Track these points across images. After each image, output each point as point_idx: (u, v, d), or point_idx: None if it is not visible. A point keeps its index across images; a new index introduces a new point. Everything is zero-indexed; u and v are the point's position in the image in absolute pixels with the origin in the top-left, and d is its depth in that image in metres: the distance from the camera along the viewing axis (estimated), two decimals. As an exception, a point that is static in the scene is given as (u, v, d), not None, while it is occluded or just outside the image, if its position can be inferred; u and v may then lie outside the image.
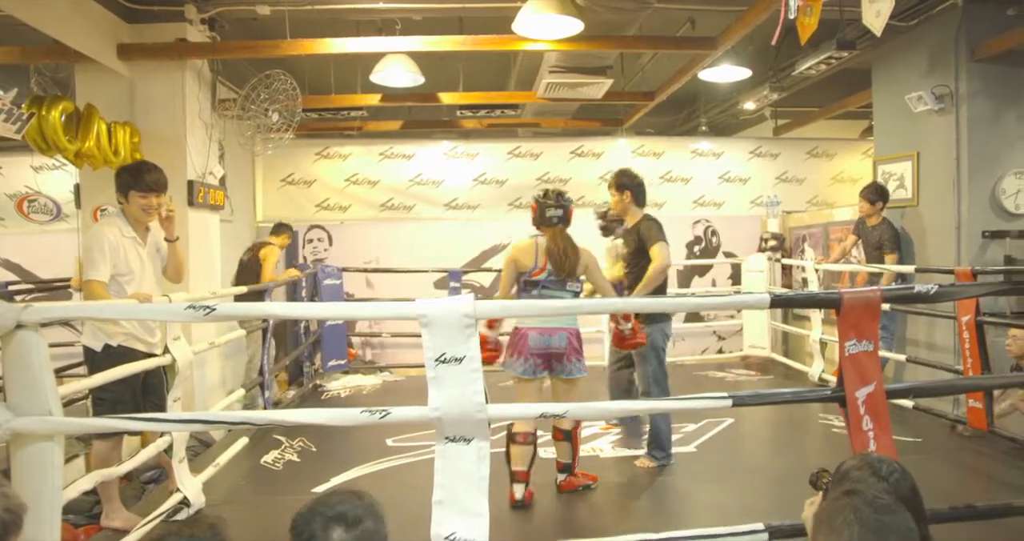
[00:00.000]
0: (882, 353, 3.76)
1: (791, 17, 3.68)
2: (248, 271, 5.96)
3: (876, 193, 5.24)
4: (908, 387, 2.95)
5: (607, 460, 4.09)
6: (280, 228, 6.32)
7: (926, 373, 4.81)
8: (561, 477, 3.64)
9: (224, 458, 3.91)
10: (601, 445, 4.32)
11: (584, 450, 4.22)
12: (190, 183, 4.93)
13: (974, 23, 4.76)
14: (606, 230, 4.91)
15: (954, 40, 4.86)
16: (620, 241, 4.47)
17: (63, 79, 5.21)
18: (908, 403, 4.73)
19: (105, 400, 3.07)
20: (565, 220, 3.52)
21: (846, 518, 1.22)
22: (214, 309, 2.06)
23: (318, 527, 1.33)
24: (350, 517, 1.35)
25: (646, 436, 4.09)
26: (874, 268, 5.28)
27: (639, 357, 3.95)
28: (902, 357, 5.06)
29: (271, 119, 5.32)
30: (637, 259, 3.95)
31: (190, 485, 3.25)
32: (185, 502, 3.18)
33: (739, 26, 4.77)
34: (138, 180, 3.23)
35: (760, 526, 2.22)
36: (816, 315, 6.08)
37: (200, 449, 4.41)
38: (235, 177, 6.54)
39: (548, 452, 4.19)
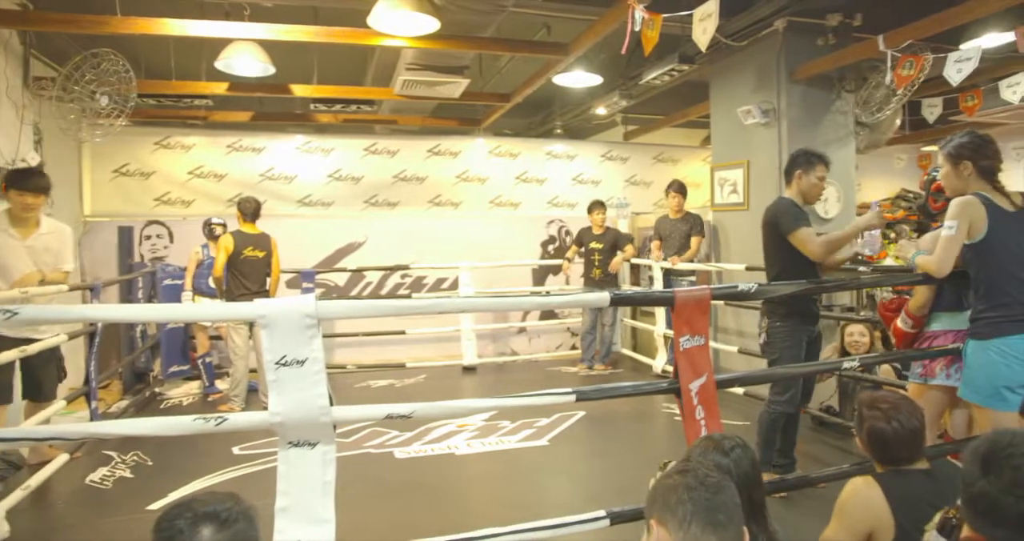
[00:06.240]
0: (714, 345, 4.09)
1: (636, 29, 3.97)
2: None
3: (684, 187, 6.35)
4: (735, 377, 3.19)
5: (462, 457, 4.12)
6: None
7: (759, 363, 5.27)
8: None
9: (36, 480, 3.46)
10: (457, 443, 4.33)
11: (439, 449, 4.24)
12: (-3, 171, 4.39)
13: (792, 49, 5.27)
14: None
15: (776, 62, 5.36)
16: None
17: None
18: (740, 390, 5.18)
19: None
20: None
21: (680, 497, 1.28)
22: (16, 313, 1.83)
23: (184, 525, 1.21)
24: (223, 516, 1.23)
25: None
26: (720, 267, 5.83)
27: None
28: (734, 349, 5.53)
29: (99, 103, 4.86)
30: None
31: (-8, 513, 2.88)
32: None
33: (589, 34, 4.97)
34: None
35: (602, 513, 2.31)
36: (661, 311, 6.49)
37: (9, 472, 3.92)
38: (56, 166, 5.88)
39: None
